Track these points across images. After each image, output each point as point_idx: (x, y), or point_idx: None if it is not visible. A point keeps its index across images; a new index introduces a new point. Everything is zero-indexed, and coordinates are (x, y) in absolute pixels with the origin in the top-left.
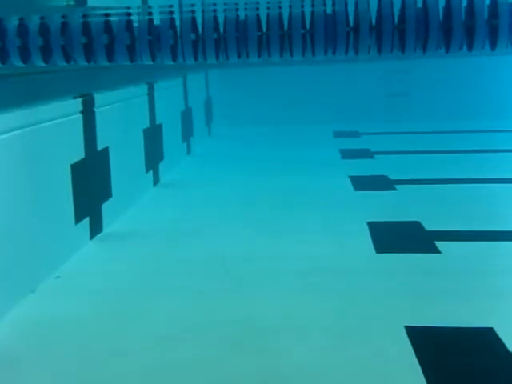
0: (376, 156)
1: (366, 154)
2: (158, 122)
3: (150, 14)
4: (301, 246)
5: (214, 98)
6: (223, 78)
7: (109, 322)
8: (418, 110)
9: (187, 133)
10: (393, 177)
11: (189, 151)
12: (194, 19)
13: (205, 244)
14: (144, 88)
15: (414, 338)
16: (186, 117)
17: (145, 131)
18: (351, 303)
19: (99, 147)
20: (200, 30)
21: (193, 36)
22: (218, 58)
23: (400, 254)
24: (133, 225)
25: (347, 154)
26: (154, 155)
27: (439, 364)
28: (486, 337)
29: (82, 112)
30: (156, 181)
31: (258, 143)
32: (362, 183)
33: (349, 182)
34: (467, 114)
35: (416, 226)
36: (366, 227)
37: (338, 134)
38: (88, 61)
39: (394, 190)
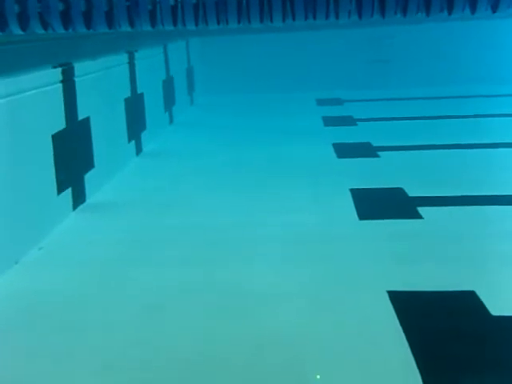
0: (359, 123)
1: (348, 121)
2: (139, 92)
3: None
4: (284, 213)
5: (195, 67)
6: (204, 46)
7: (93, 293)
8: (400, 76)
9: (169, 102)
10: (376, 143)
11: (171, 120)
12: None
13: (188, 213)
14: (124, 57)
15: (396, 303)
16: (168, 86)
17: (126, 100)
18: (334, 269)
19: (80, 117)
20: None
21: (171, 1)
22: (197, 24)
23: (382, 221)
24: (116, 195)
25: (330, 122)
26: (135, 125)
27: (421, 328)
28: (468, 300)
29: (61, 81)
30: (139, 150)
31: (241, 112)
32: (344, 150)
33: (332, 150)
34: (449, 80)
35: (398, 192)
36: (349, 194)
37: (320, 102)
38: (66, 28)
39: (377, 156)
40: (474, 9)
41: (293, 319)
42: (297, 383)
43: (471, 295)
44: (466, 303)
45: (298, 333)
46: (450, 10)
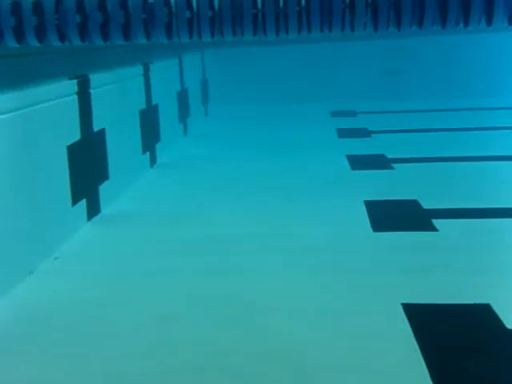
0: (373, 135)
1: (363, 133)
2: (154, 103)
3: None
4: (297, 225)
5: (210, 79)
6: (220, 58)
7: (106, 303)
8: (415, 87)
9: (184, 113)
10: (390, 155)
11: (186, 132)
12: None
13: (202, 224)
14: (140, 69)
15: (411, 315)
16: (183, 97)
17: (141, 112)
18: (348, 281)
19: (95, 128)
20: (195, 7)
21: (187, 13)
22: (213, 36)
23: (397, 233)
24: (130, 206)
25: (344, 133)
26: (150, 136)
27: (436, 341)
28: (483, 313)
29: (77, 93)
30: (153, 162)
31: (255, 123)
32: (359, 162)
33: (346, 161)
34: (464, 92)
35: (413, 204)
36: (363, 206)
37: (335, 114)
38: (83, 40)
39: (392, 168)
40: (490, 21)
41: (304, 331)
42: None
43: (486, 308)
44: (481, 316)
45: (308, 345)
46: (466, 22)
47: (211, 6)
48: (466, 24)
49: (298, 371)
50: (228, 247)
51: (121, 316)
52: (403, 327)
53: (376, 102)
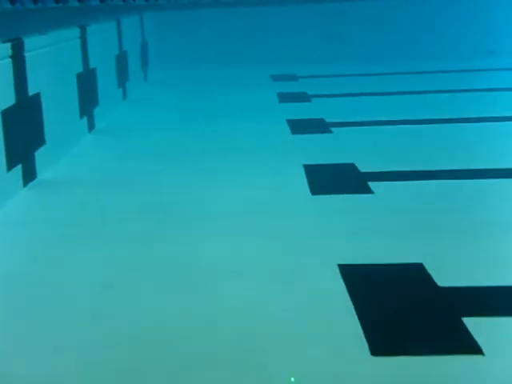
0: (313, 99)
1: (303, 97)
2: (91, 67)
3: None
4: (237, 188)
5: (149, 43)
6: (159, 22)
7: (43, 270)
8: (355, 51)
9: (122, 78)
10: (329, 119)
11: (124, 96)
12: None
13: (140, 190)
14: (76, 31)
15: (346, 276)
16: (121, 61)
17: (78, 76)
18: (286, 243)
19: (30, 92)
20: None
21: None
22: None
23: (334, 195)
24: (67, 172)
25: (285, 98)
26: (88, 101)
27: (370, 299)
28: (416, 272)
29: (11, 57)
30: (91, 127)
31: (195, 87)
32: (298, 126)
33: (286, 126)
34: (403, 56)
35: (350, 167)
36: (302, 170)
37: (276, 78)
38: (13, 3)
39: (330, 132)
40: None
41: (244, 293)
42: (249, 356)
43: (419, 267)
44: (414, 275)
45: (249, 307)
46: None
47: None
48: None
49: (238, 334)
50: (168, 213)
51: (57, 284)
52: (339, 287)
53: (317, 65)
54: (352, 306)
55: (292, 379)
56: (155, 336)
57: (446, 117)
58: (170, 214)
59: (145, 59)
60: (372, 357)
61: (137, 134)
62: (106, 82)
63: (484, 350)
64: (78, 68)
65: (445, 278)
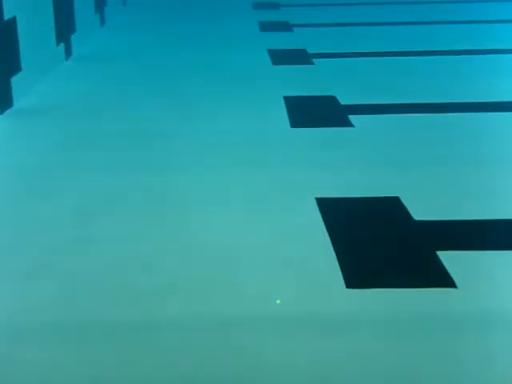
0: (295, 29)
1: (285, 26)
2: None
3: None
4: (216, 120)
5: None
6: None
7: (19, 198)
8: None
9: (100, 2)
10: (311, 50)
11: (102, 22)
12: None
13: (117, 119)
14: None
15: (324, 209)
16: None
17: (54, 1)
18: (264, 176)
19: (6, 17)
20: None
21: None
22: None
23: (313, 129)
24: (44, 99)
25: (266, 27)
26: (65, 26)
27: (346, 232)
28: (392, 205)
29: None
30: (68, 54)
31: (176, 14)
32: (280, 57)
33: (267, 56)
34: None
35: (331, 100)
36: (283, 102)
37: (257, 6)
38: None
39: (312, 64)
40: None
41: (224, 225)
42: (225, 282)
43: (395, 200)
44: (390, 208)
45: (229, 238)
46: None
47: None
48: None
49: (219, 265)
50: (150, 143)
51: (33, 210)
52: (316, 220)
53: None
54: (329, 239)
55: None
56: (131, 263)
57: (433, 48)
58: (148, 144)
59: None
60: (347, 289)
61: (114, 61)
62: (83, 7)
63: (457, 283)
64: None
65: (420, 211)
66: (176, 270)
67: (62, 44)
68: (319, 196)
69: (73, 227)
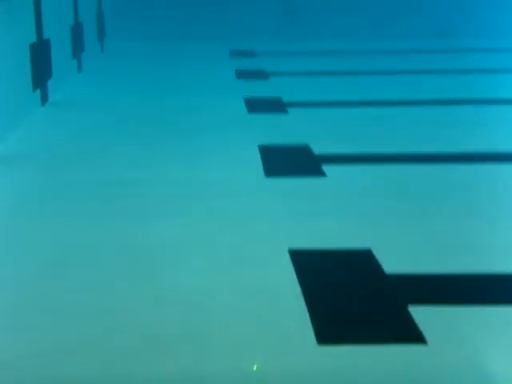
0: (271, 77)
1: (261, 74)
2: (45, 37)
3: None
4: (191, 168)
5: (106, 13)
6: None
7: None
8: (313, 29)
9: (78, 49)
10: (286, 99)
11: (80, 68)
12: None
13: (91, 167)
14: (30, 0)
15: (296, 261)
16: (76, 32)
17: (31, 46)
18: (237, 226)
19: None
20: None
21: None
22: None
23: (287, 178)
24: (19, 146)
25: (243, 75)
26: (41, 72)
27: (319, 286)
28: (364, 258)
29: None
30: (44, 100)
31: (153, 61)
32: (255, 105)
33: (243, 104)
34: (362, 34)
35: (305, 149)
36: (257, 150)
37: (234, 53)
38: None
39: (286, 112)
40: None
41: (193, 276)
42: (196, 338)
43: (367, 253)
44: (362, 261)
45: (197, 289)
46: None
47: None
48: None
49: (187, 318)
50: (115, 191)
51: (5, 265)
52: (288, 272)
53: (276, 42)
54: (300, 292)
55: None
56: (102, 313)
57: (403, 98)
58: (119, 193)
59: (101, 30)
60: (318, 345)
61: (89, 107)
62: (60, 52)
63: (428, 338)
64: (32, 38)
65: (392, 264)
66: (144, 325)
67: (38, 90)
68: (292, 247)
69: (41, 279)
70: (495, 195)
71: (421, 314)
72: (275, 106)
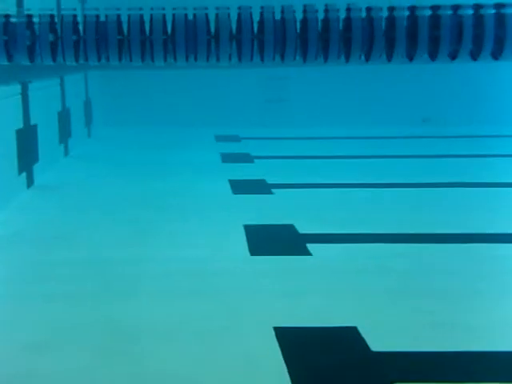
0: (255, 160)
1: (246, 158)
2: (32, 123)
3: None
4: (176, 248)
5: (94, 99)
6: (103, 79)
7: None
8: (295, 115)
9: (65, 134)
10: (270, 181)
11: (66, 153)
12: (52, 20)
13: (77, 248)
14: (17, 87)
15: (281, 339)
16: (64, 117)
17: (18, 132)
18: (222, 305)
19: None
20: (59, 31)
21: (51, 37)
22: (77, 60)
23: (273, 257)
24: (2, 229)
25: (228, 158)
26: (27, 156)
27: (304, 363)
28: (350, 336)
29: None
30: (30, 183)
31: (139, 145)
32: (240, 187)
33: (228, 186)
34: (343, 121)
35: (290, 228)
36: (243, 230)
37: (219, 138)
38: None
39: (271, 193)
40: (347, 57)
41: (177, 356)
42: None
43: (353, 331)
44: (348, 339)
45: (182, 370)
46: (326, 58)
47: (76, 30)
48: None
49: None
50: (101, 272)
51: None
52: (274, 350)
53: (259, 128)
54: (286, 370)
55: None
56: None
57: (385, 181)
58: (105, 273)
59: (89, 116)
60: None
61: (76, 191)
62: (47, 138)
63: None
64: (18, 124)
65: (378, 342)
66: None
67: (24, 173)
68: (277, 325)
69: (25, 361)
70: (479, 275)
71: None
72: (259, 187)
